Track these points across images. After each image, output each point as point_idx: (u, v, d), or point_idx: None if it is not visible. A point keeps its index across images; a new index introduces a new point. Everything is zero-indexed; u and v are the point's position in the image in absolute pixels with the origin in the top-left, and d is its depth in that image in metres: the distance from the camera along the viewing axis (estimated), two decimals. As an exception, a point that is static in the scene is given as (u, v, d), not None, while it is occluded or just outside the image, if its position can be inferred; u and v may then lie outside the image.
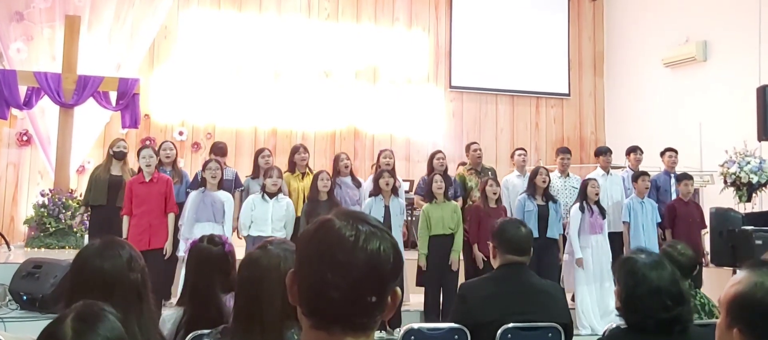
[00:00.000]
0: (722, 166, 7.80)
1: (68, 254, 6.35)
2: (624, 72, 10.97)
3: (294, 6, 9.98)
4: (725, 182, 7.77)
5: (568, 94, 11.19)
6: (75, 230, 7.25)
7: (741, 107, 8.35)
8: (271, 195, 6.02)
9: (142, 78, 8.32)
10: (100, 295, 1.81)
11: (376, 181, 6.19)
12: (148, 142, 8.86)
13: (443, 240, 6.04)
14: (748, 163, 7.59)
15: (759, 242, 6.77)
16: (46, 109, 8.15)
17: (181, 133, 9.24)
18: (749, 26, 8.55)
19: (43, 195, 7.43)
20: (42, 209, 7.24)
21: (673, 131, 8.96)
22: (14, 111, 7.97)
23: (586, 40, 11.42)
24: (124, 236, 5.67)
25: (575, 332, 6.26)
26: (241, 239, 6.16)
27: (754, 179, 7.53)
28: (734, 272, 7.22)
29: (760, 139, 7.71)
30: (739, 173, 7.58)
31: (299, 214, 6.21)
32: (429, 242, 6.03)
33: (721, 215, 7.25)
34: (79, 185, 8.38)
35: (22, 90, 7.61)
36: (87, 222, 6.86)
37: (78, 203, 7.40)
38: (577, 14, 11.39)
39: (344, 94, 9.99)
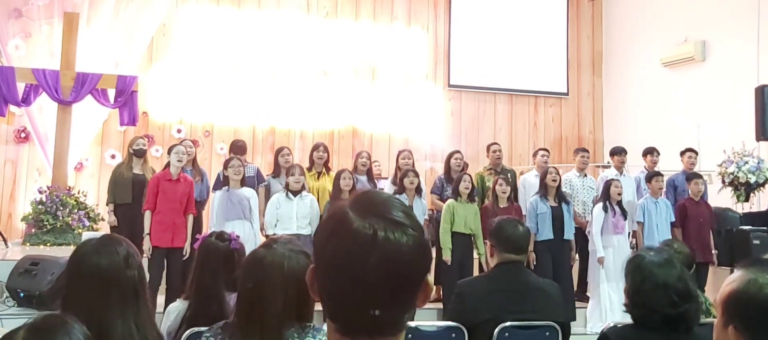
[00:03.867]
0: (720, 166, 7.82)
1: (66, 251, 6.33)
2: (622, 71, 10.97)
3: (293, 3, 9.96)
4: (723, 181, 7.78)
5: (567, 94, 11.20)
6: (73, 227, 7.23)
7: (739, 107, 8.36)
8: (295, 193, 6.06)
9: (140, 75, 8.30)
10: (97, 292, 1.81)
11: (401, 180, 6.29)
12: (145, 139, 8.85)
13: (463, 239, 6.16)
14: (746, 163, 7.60)
15: (756, 241, 6.80)
16: (44, 106, 8.14)
17: (179, 131, 9.22)
18: (748, 26, 8.55)
19: (40, 192, 7.41)
20: (39, 206, 7.23)
21: (672, 131, 8.97)
22: (12, 108, 7.95)
23: (584, 39, 11.42)
24: (146, 231, 5.72)
25: (588, 330, 6.31)
26: (265, 238, 6.20)
27: (752, 179, 7.54)
28: (732, 272, 7.25)
29: (758, 139, 7.72)
30: (737, 172, 7.59)
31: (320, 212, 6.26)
32: (451, 237, 6.12)
33: (720, 215, 7.28)
34: (76, 183, 8.38)
35: (21, 87, 7.60)
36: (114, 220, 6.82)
37: (76, 201, 7.39)
38: (576, 14, 11.39)
39: (343, 93, 9.98)
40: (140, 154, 6.60)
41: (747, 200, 7.71)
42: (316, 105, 9.82)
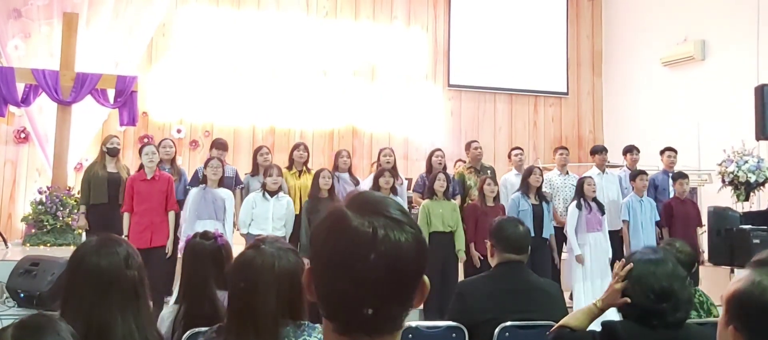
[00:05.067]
0: (720, 165, 7.82)
1: (66, 252, 6.32)
2: (622, 71, 10.97)
3: (292, 3, 9.96)
4: (723, 181, 7.78)
5: (567, 93, 11.20)
6: (74, 228, 7.23)
7: (739, 106, 8.36)
8: (272, 193, 6.03)
9: (139, 75, 8.29)
10: (98, 292, 1.81)
11: (376, 179, 6.23)
12: (146, 139, 8.86)
13: (442, 237, 6.09)
14: (746, 162, 7.60)
15: (756, 241, 6.80)
16: (43, 106, 8.13)
17: (179, 131, 9.23)
18: (747, 25, 8.56)
19: (40, 192, 7.41)
20: (39, 207, 7.23)
21: (671, 130, 8.97)
22: (12, 108, 7.95)
23: (584, 39, 11.42)
24: (125, 233, 5.69)
25: None
26: (241, 236, 6.19)
27: (752, 178, 7.55)
28: (732, 271, 7.22)
29: (758, 138, 7.72)
30: (737, 172, 7.60)
31: (297, 212, 6.25)
32: (429, 238, 6.04)
33: (719, 214, 7.28)
34: (76, 183, 8.37)
35: (20, 87, 7.59)
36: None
37: (76, 201, 7.38)
38: (576, 13, 11.39)
39: (342, 93, 9.98)
40: (114, 153, 6.45)
41: (747, 199, 7.71)
42: (315, 105, 9.82)
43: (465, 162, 7.79)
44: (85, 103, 7.81)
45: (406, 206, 6.55)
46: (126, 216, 5.79)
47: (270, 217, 5.97)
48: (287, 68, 9.77)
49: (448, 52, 10.66)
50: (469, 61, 10.70)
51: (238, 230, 6.18)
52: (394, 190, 6.26)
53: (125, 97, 7.75)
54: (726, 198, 7.76)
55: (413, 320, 4.12)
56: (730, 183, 7.72)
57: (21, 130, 8.62)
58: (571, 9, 11.32)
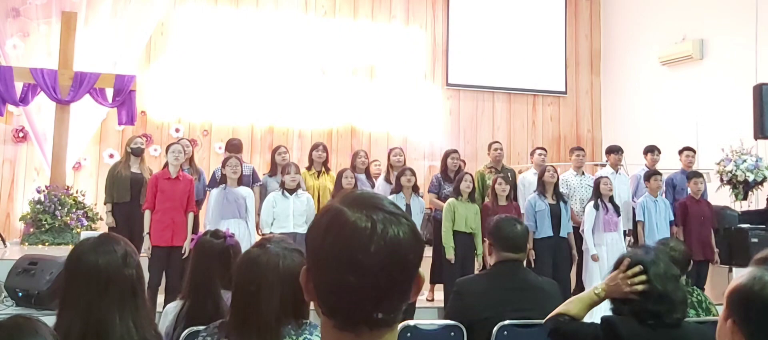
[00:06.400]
0: (718, 164, 7.82)
1: (64, 251, 6.31)
2: (621, 70, 10.98)
3: (291, 2, 9.96)
4: (721, 180, 7.78)
5: (565, 92, 11.20)
6: (71, 227, 7.23)
7: (737, 105, 8.37)
8: (291, 191, 6.10)
9: (138, 74, 8.29)
10: (95, 291, 1.81)
11: (397, 178, 6.34)
12: (144, 138, 8.85)
13: (464, 238, 6.16)
14: (745, 161, 7.60)
15: (755, 239, 6.82)
16: (42, 105, 8.13)
17: (177, 130, 9.22)
18: (746, 25, 8.56)
19: (39, 192, 7.41)
20: (38, 206, 7.22)
21: (670, 129, 8.98)
22: (10, 107, 7.94)
23: (583, 38, 11.42)
24: (146, 231, 5.74)
25: None
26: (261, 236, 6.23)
27: (750, 177, 7.55)
28: (730, 270, 7.21)
29: (756, 137, 7.73)
30: (736, 171, 7.60)
31: (316, 212, 6.30)
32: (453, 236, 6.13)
33: (718, 213, 7.29)
34: (75, 182, 8.37)
35: (19, 86, 7.59)
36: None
37: (74, 200, 7.39)
38: (574, 12, 11.39)
39: (341, 92, 9.98)
40: (138, 153, 6.62)
41: (745, 198, 7.72)
42: (314, 104, 9.82)
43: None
44: (84, 102, 7.81)
45: (424, 206, 6.67)
46: (147, 213, 5.83)
47: (291, 214, 6.05)
48: (286, 67, 9.77)
49: (446, 51, 10.65)
50: (468, 61, 10.70)
51: (260, 231, 6.25)
52: (415, 188, 6.35)
53: (124, 96, 7.75)
54: (724, 197, 7.77)
55: (418, 320, 4.11)
56: (729, 182, 7.72)
57: (19, 129, 8.61)
58: (569, 8, 11.32)
